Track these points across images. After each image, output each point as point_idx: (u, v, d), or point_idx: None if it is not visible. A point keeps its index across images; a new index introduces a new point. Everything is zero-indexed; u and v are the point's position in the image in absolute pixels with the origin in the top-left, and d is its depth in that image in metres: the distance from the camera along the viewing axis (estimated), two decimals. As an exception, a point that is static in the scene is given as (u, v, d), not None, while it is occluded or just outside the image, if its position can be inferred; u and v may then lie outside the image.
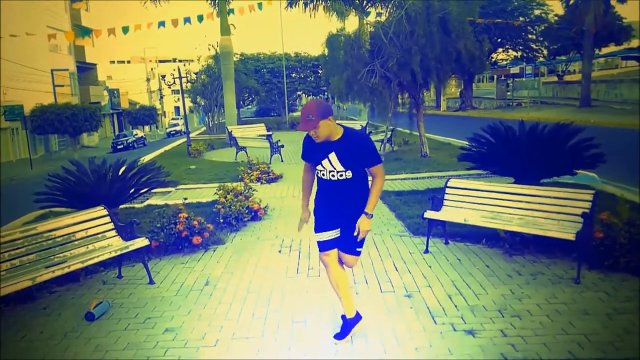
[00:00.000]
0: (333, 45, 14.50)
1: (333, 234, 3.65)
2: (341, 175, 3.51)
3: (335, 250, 3.69)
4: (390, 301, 4.41)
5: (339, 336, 3.74)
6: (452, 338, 3.73)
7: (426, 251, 5.64)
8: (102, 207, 5.35)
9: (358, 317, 3.79)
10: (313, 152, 3.58)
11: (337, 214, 3.62)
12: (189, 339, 3.93)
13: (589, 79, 30.05)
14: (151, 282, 5.13)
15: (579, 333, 3.70)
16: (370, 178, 3.62)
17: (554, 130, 7.11)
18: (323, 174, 3.57)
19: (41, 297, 4.87)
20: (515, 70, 37.02)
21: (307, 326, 4.03)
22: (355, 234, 3.54)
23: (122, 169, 7.31)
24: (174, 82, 19.76)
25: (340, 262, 3.76)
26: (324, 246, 3.68)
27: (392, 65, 12.13)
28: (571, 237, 4.59)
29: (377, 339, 3.75)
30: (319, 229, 3.68)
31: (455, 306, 4.24)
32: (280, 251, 5.95)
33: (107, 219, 5.29)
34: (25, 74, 30.25)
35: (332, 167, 3.49)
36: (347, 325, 3.75)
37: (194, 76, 23.57)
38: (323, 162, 3.51)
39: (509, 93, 37.51)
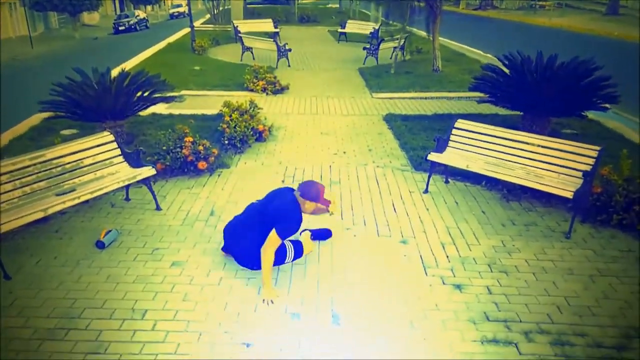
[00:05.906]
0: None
1: None
2: None
3: None
4: (386, 247, 4.61)
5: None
6: (441, 292, 3.96)
7: (426, 191, 5.76)
8: (109, 133, 5.38)
9: None
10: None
11: None
12: (195, 275, 4.17)
13: (620, -17, 28.07)
14: (158, 208, 5.32)
15: (560, 295, 3.92)
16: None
17: (571, 68, 6.88)
18: None
19: (53, 218, 5.06)
20: (543, -33, 34.42)
21: (306, 265, 4.26)
22: None
23: (127, 81, 7.19)
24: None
25: None
26: None
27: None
28: (569, 195, 4.67)
29: (369, 292, 3.98)
30: None
31: (447, 257, 4.45)
32: (283, 181, 6.08)
33: (114, 144, 5.33)
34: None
35: None
36: None
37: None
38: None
39: (533, -7, 35.28)
